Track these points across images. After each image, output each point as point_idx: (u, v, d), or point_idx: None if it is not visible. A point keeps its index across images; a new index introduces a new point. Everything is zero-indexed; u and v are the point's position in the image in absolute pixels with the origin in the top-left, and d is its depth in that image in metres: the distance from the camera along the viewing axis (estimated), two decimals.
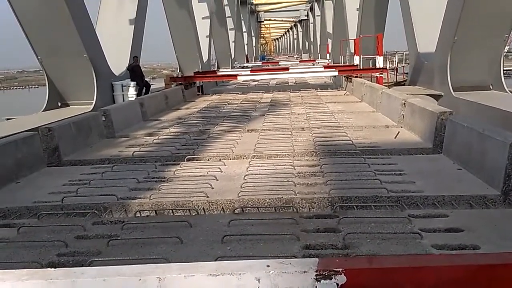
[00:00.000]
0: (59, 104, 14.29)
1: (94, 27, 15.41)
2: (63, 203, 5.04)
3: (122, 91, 15.70)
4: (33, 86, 79.96)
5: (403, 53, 26.25)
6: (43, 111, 13.67)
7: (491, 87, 13.59)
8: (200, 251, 3.71)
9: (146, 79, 17.86)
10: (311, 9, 50.62)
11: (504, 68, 14.66)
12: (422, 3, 16.08)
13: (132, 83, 15.94)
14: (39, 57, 13.33)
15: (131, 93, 15.68)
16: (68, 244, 3.93)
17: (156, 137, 8.81)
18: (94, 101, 13.77)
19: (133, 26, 17.26)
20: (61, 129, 7.51)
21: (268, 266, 2.25)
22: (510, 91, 13.59)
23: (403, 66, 24.13)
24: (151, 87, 17.66)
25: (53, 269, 2.39)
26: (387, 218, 4.23)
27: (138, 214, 4.78)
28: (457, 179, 5.34)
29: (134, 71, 16.50)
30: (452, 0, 13.12)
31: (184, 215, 4.76)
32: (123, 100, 15.08)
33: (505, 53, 14.32)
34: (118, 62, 16.36)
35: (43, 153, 6.98)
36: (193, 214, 4.74)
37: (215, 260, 3.43)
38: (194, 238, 3.95)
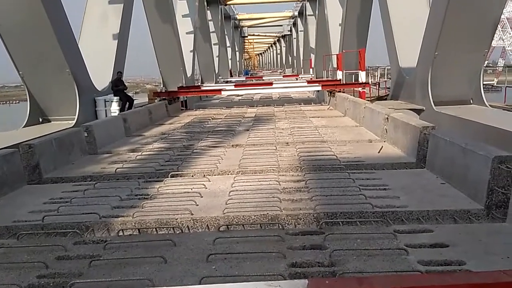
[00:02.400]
0: (41, 119, 14.08)
1: (77, 41, 15.31)
2: (44, 222, 4.92)
3: (105, 106, 15.56)
4: (14, 101, 78.82)
5: (385, 68, 26.61)
6: (24, 127, 13.46)
7: (471, 101, 13.82)
8: (184, 270, 3.64)
9: (129, 94, 17.76)
10: (294, 24, 51.21)
11: (484, 83, 14.94)
12: (403, 19, 16.37)
13: (115, 98, 15.82)
14: (20, 72, 13.16)
15: (114, 108, 15.55)
16: (49, 265, 3.82)
17: (140, 153, 8.72)
18: (76, 117, 13.62)
19: (116, 41, 17.20)
20: (42, 145, 7.37)
21: None
22: (490, 105, 13.84)
23: (385, 81, 24.46)
24: (134, 102, 17.55)
25: None
26: (373, 234, 4.22)
27: (121, 233, 4.69)
28: (441, 194, 5.37)
29: (117, 86, 16.38)
30: (433, 16, 13.38)
31: (168, 233, 4.68)
32: (106, 116, 14.94)
33: (484, 67, 14.59)
34: (101, 77, 16.25)
35: (23, 171, 6.84)
36: (177, 232, 4.67)
37: (200, 280, 3.38)
38: (178, 257, 3.88)
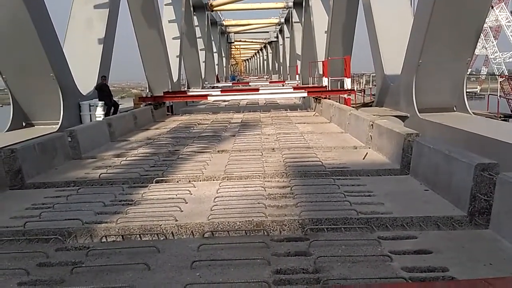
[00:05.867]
0: (24, 124, 13.89)
1: (62, 45, 15.16)
2: (25, 228, 4.84)
3: (90, 111, 15.42)
4: None
5: (370, 75, 26.84)
6: (6, 131, 13.26)
7: (455, 108, 14.00)
8: (168, 277, 3.61)
9: (114, 99, 17.63)
10: (281, 31, 51.40)
11: (467, 90, 15.14)
12: (388, 27, 16.54)
13: (100, 103, 15.69)
14: (3, 76, 12.97)
15: (99, 113, 15.42)
16: (30, 272, 3.76)
17: (124, 158, 8.64)
18: (60, 121, 13.45)
19: (102, 45, 17.07)
20: (24, 150, 7.27)
21: None
22: (473, 112, 14.03)
23: (370, 88, 24.67)
24: (119, 107, 17.42)
25: None
26: (357, 241, 4.23)
27: (104, 239, 4.63)
28: (425, 200, 5.42)
29: (102, 91, 16.26)
30: (417, 24, 13.54)
31: (152, 239, 4.64)
32: (91, 120, 14.80)
33: (467, 75, 14.80)
34: (85, 82, 16.10)
35: (5, 176, 6.73)
36: (162, 238, 4.63)
37: (184, 287, 3.35)
38: (162, 264, 3.84)
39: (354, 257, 3.85)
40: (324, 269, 3.66)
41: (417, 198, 5.53)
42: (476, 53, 62.42)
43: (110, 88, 17.32)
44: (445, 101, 13.81)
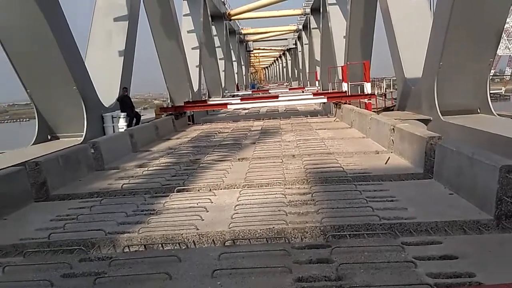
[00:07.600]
0: (49, 137, 14.17)
1: (83, 58, 15.45)
2: (50, 240, 4.92)
3: (112, 122, 15.63)
4: (24, 119, 79.56)
5: (390, 79, 26.60)
6: (32, 144, 13.54)
7: (478, 110, 13.72)
8: (189, 287, 3.61)
9: (136, 110, 17.84)
10: (299, 37, 51.43)
11: (492, 91, 14.86)
12: (407, 30, 16.38)
13: (122, 114, 15.91)
14: (28, 90, 13.27)
15: (121, 124, 15.62)
16: (54, 283, 3.81)
17: (146, 169, 8.73)
18: (84, 133, 13.68)
19: (122, 57, 17.34)
20: (48, 163, 7.41)
21: None
22: (497, 114, 13.74)
23: (391, 92, 24.43)
24: (142, 118, 17.63)
25: None
26: (380, 247, 4.15)
27: (126, 249, 4.66)
28: (449, 204, 5.30)
29: (124, 102, 16.47)
30: (436, 26, 13.37)
31: (174, 249, 4.65)
32: (113, 132, 15.01)
33: (491, 76, 14.53)
34: (108, 94, 16.35)
35: (30, 188, 6.86)
36: (183, 247, 4.64)
37: None
38: (183, 273, 3.84)
39: (377, 263, 3.78)
40: (347, 276, 3.60)
41: (442, 202, 5.42)
42: (499, 54, 61.24)
43: (132, 99, 17.55)
44: (468, 103, 13.57)
